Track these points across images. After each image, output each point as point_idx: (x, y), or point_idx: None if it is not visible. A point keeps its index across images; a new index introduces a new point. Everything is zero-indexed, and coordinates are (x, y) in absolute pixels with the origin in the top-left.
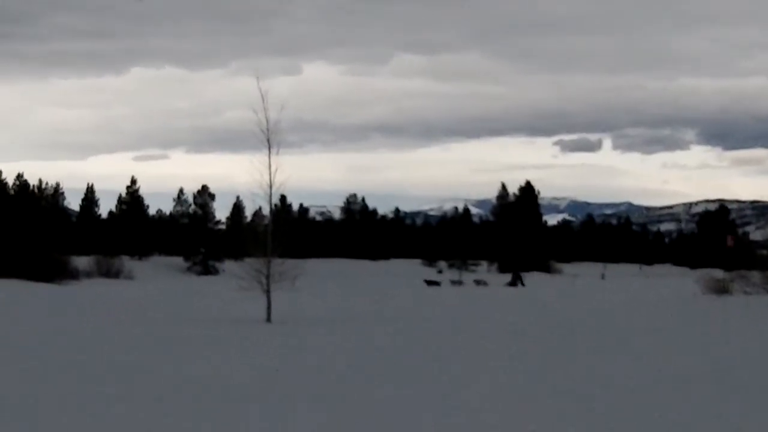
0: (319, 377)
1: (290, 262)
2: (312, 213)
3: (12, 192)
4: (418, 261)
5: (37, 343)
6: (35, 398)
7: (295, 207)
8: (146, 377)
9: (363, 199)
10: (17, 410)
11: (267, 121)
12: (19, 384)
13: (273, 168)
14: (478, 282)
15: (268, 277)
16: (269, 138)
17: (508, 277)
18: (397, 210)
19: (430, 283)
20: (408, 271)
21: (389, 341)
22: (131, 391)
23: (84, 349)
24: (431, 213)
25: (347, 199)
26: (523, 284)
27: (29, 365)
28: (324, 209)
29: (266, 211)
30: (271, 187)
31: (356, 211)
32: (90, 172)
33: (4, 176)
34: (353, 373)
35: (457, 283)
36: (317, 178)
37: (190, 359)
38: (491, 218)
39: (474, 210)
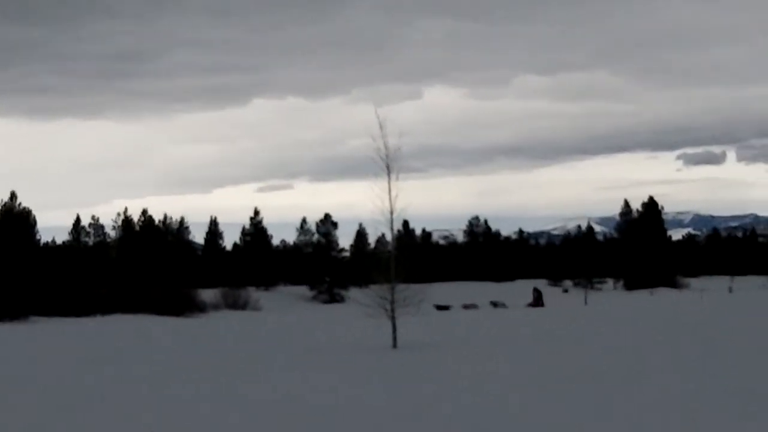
0: (440, 404)
1: (414, 288)
2: (435, 237)
3: (138, 228)
4: (543, 281)
5: (166, 376)
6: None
7: (419, 232)
8: (276, 404)
9: (486, 222)
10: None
11: (386, 148)
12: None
13: (393, 194)
14: (495, 304)
15: (392, 303)
16: (388, 164)
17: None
18: (520, 231)
19: (440, 308)
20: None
21: (510, 367)
22: (264, 419)
23: (209, 379)
24: (555, 232)
25: (470, 222)
26: (542, 304)
27: (161, 398)
28: (448, 233)
29: (388, 237)
30: (392, 213)
31: (480, 233)
32: (214, 204)
33: (130, 213)
34: (473, 400)
35: (471, 306)
36: (441, 202)
37: (318, 387)
38: (615, 235)
39: (598, 228)
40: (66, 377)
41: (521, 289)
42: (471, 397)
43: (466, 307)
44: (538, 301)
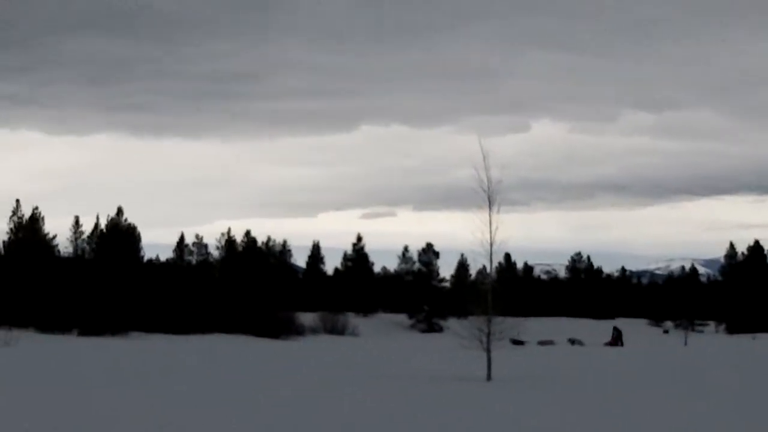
0: None
1: (510, 321)
2: (537, 271)
3: (241, 249)
4: (644, 321)
5: (248, 398)
6: None
7: (520, 265)
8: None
9: (588, 258)
10: None
11: (488, 180)
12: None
13: (493, 226)
14: (573, 341)
15: (488, 335)
16: (490, 196)
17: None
18: (623, 269)
19: (515, 342)
20: (634, 330)
21: (610, 405)
22: None
23: (291, 402)
24: (658, 272)
25: (572, 258)
26: (622, 344)
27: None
28: (549, 267)
29: (488, 269)
30: (491, 245)
31: (582, 269)
32: (317, 229)
33: (233, 233)
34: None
35: (547, 342)
36: (543, 236)
37: (407, 418)
38: (719, 278)
39: (702, 269)
40: (149, 390)
41: (623, 326)
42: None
43: (542, 343)
44: (617, 340)
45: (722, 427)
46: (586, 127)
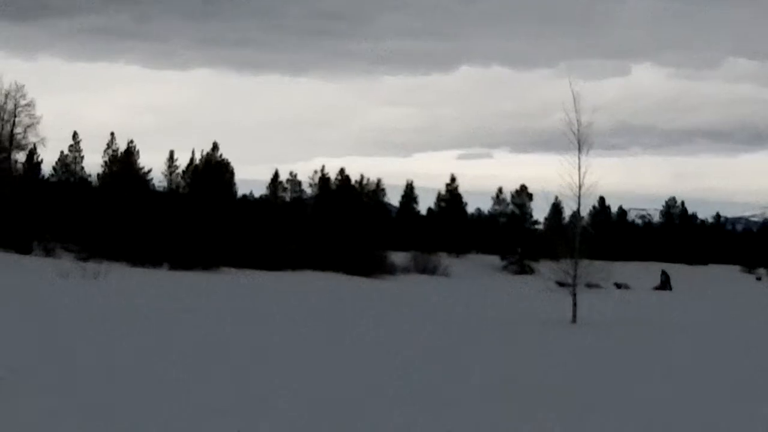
0: (614, 381)
1: (598, 264)
2: (632, 216)
3: (334, 187)
4: (737, 267)
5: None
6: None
7: (615, 209)
8: (440, 372)
9: (683, 204)
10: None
11: (578, 123)
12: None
13: (582, 170)
14: (619, 285)
15: (575, 278)
16: (579, 139)
17: None
18: (717, 215)
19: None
20: (726, 277)
21: (689, 349)
22: (427, 388)
23: (370, 343)
24: (753, 219)
25: (667, 203)
26: (671, 288)
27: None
28: (644, 212)
29: (577, 212)
30: (579, 188)
31: (676, 215)
32: (412, 168)
33: (327, 171)
34: (647, 379)
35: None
36: (641, 181)
37: (490, 358)
38: None
39: None
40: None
41: (715, 273)
42: (638, 375)
43: (589, 286)
44: (665, 284)
45: None
46: (687, 73)
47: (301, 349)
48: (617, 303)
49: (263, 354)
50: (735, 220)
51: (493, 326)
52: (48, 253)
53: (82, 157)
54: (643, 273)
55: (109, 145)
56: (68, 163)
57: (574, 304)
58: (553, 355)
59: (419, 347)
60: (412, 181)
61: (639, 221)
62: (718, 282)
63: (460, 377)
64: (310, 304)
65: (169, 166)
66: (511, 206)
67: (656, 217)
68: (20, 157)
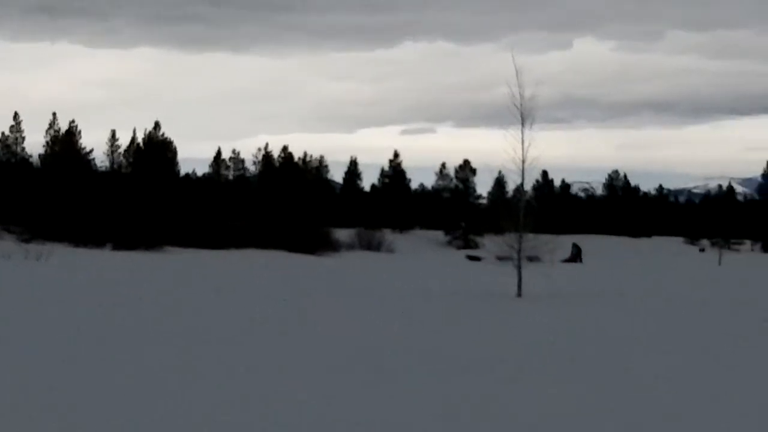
0: (554, 352)
1: (542, 238)
2: (575, 189)
3: (278, 164)
4: (680, 239)
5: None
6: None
7: (558, 182)
8: (387, 349)
9: (625, 176)
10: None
11: (521, 97)
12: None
13: (526, 144)
14: (530, 258)
15: (519, 252)
16: (523, 113)
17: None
18: (660, 187)
19: (471, 258)
20: (669, 248)
21: (629, 318)
22: (374, 368)
23: (320, 320)
24: (696, 191)
25: (609, 176)
26: (581, 260)
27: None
28: (587, 185)
29: (518, 185)
30: (523, 162)
31: (619, 187)
32: (356, 144)
33: (271, 148)
34: (589, 349)
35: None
36: (585, 154)
37: (434, 332)
38: (756, 197)
39: (739, 188)
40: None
41: (659, 245)
42: (586, 346)
43: (499, 258)
44: (575, 257)
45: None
46: (631, 46)
47: (241, 329)
48: (578, 277)
49: (206, 338)
50: (678, 192)
51: (437, 301)
52: None
53: (24, 138)
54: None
55: (50, 125)
56: (9, 144)
57: (519, 278)
58: (489, 327)
59: (358, 324)
60: (356, 158)
61: (582, 194)
62: (661, 254)
63: (401, 351)
64: (253, 283)
65: (111, 146)
66: (454, 181)
67: (599, 190)
68: None
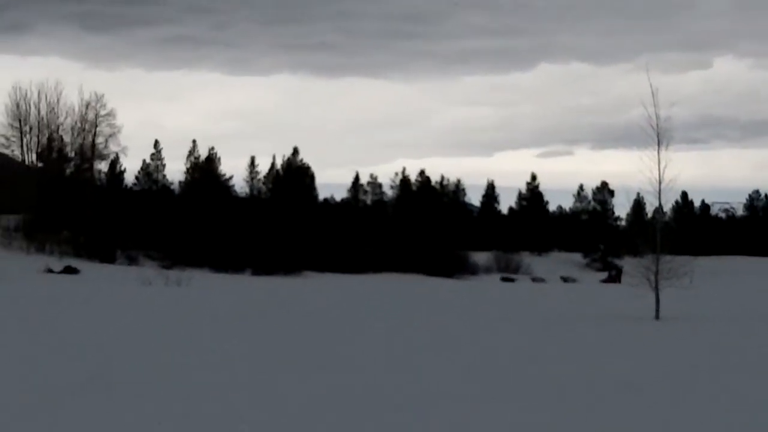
0: (697, 375)
1: (680, 260)
2: (715, 210)
3: (415, 188)
4: None
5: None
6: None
7: (697, 203)
8: (523, 372)
9: (766, 196)
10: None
11: (657, 118)
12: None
13: (662, 164)
14: (565, 279)
15: (656, 274)
16: (659, 134)
17: None
18: None
19: (505, 279)
20: None
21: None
22: (510, 387)
23: (448, 342)
24: None
25: (750, 196)
26: (619, 281)
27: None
28: (728, 206)
29: (658, 207)
30: (659, 183)
31: (759, 207)
32: (492, 168)
33: (408, 173)
34: (728, 372)
35: (538, 280)
36: (723, 174)
37: (570, 355)
38: None
39: None
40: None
41: None
42: (725, 370)
43: (534, 280)
44: (615, 278)
45: None
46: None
47: (391, 353)
48: (718, 298)
49: (353, 362)
50: None
51: (571, 322)
52: (131, 261)
53: (164, 165)
54: (720, 268)
55: (190, 153)
56: (150, 172)
57: (657, 300)
58: (627, 350)
59: (489, 346)
60: (492, 181)
61: (722, 215)
62: None
63: (552, 374)
64: (392, 306)
65: (251, 172)
66: (592, 203)
67: (740, 211)
68: (102, 166)
